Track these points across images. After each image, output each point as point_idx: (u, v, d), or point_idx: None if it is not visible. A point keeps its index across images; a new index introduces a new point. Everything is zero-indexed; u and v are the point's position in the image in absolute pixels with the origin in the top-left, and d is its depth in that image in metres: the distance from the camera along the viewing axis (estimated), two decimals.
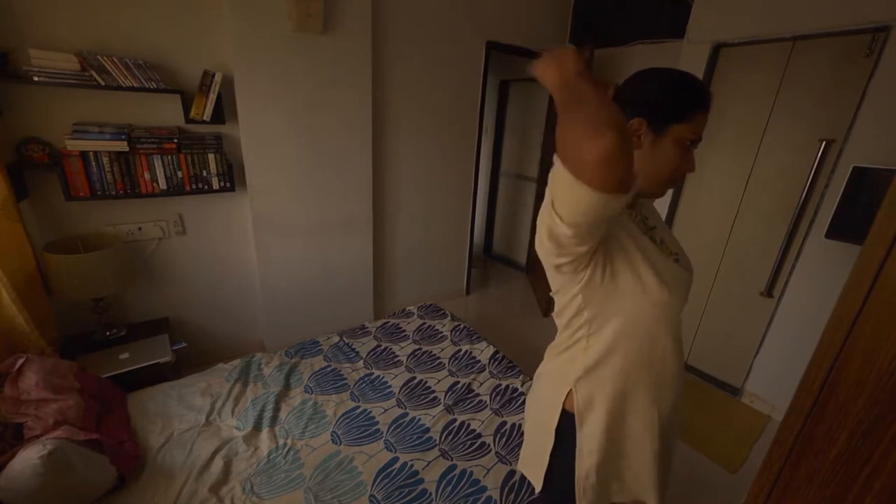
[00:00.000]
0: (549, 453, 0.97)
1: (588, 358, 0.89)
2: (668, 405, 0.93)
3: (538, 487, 1.03)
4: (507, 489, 1.50)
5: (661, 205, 2.84)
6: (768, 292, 2.51)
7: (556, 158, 0.65)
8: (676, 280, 0.87)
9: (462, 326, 2.56)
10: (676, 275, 0.88)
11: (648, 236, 0.90)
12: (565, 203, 0.66)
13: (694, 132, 0.83)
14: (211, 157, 2.28)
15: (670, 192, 2.79)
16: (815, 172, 2.23)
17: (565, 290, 0.86)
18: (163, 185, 2.19)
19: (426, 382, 2.08)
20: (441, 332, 2.51)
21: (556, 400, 0.94)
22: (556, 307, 0.92)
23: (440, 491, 1.50)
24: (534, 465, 1.04)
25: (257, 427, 1.75)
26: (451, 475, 1.56)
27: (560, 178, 0.64)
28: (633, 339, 0.86)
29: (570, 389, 0.92)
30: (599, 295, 0.82)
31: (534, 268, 4.27)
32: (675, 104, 0.83)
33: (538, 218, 0.76)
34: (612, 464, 0.94)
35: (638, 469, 0.94)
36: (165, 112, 2.19)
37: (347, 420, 1.82)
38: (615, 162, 0.58)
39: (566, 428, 0.93)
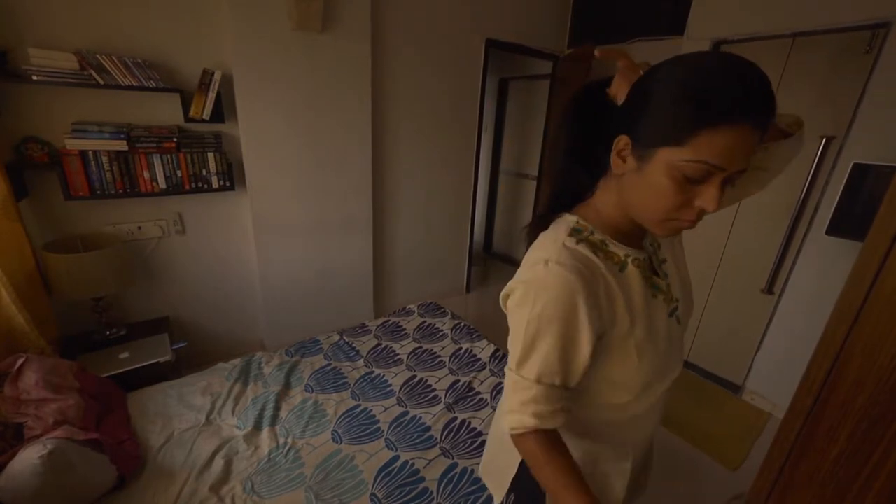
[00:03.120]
0: (511, 480, 0.94)
1: None
2: (642, 448, 0.90)
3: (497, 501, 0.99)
4: (507, 489, 1.50)
5: None
6: (769, 289, 2.50)
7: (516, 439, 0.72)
8: (666, 339, 0.75)
9: (462, 325, 2.56)
10: (664, 336, 0.75)
11: (653, 284, 0.75)
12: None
13: (700, 161, 0.55)
14: (210, 156, 2.28)
15: None
16: (815, 169, 2.22)
17: None
18: (162, 184, 2.19)
19: (427, 381, 2.08)
20: (441, 331, 2.51)
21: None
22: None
23: (441, 489, 1.50)
24: (496, 488, 1.00)
25: (258, 426, 1.75)
26: (451, 473, 1.56)
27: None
28: (592, 419, 0.81)
29: None
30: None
31: None
32: (658, 117, 0.58)
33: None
34: None
35: None
36: (165, 111, 2.19)
37: (348, 419, 1.82)
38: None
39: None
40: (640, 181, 0.62)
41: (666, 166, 0.58)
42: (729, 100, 0.52)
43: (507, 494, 0.96)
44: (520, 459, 0.91)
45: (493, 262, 5.01)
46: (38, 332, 1.78)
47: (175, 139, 2.16)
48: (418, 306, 2.76)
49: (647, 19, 3.14)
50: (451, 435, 1.75)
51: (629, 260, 0.72)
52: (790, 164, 0.76)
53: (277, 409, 1.84)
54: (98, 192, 2.04)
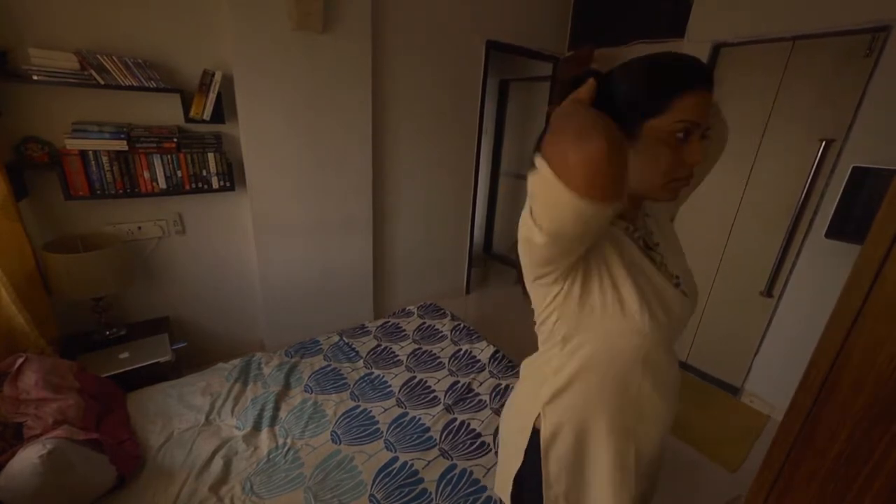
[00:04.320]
0: (514, 475, 0.94)
1: (559, 380, 0.84)
2: (651, 447, 0.88)
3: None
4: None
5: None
6: (768, 292, 2.51)
7: (538, 160, 0.61)
8: (670, 307, 0.79)
9: (462, 326, 2.56)
10: (671, 301, 0.79)
11: (648, 256, 0.81)
12: (546, 209, 0.62)
13: (678, 120, 0.68)
14: (210, 156, 2.28)
15: None
16: (814, 172, 2.23)
17: (540, 303, 0.80)
18: (162, 184, 2.19)
19: (426, 382, 2.08)
20: (441, 332, 2.51)
21: (525, 423, 0.90)
22: (536, 319, 0.85)
23: (440, 490, 1.50)
24: (503, 486, 1.00)
25: (257, 426, 1.75)
26: (451, 475, 1.56)
27: (542, 180, 0.60)
28: (604, 366, 0.80)
29: (539, 413, 0.87)
30: (574, 312, 0.76)
31: None
32: (640, 98, 0.71)
33: (519, 228, 0.71)
34: (580, 494, 0.89)
35: None
36: (165, 111, 2.19)
37: (347, 419, 1.82)
38: (600, 166, 0.55)
39: (535, 450, 0.89)
40: (636, 157, 0.73)
41: (656, 133, 0.70)
42: (689, 73, 0.69)
43: (514, 488, 0.97)
44: (522, 456, 0.92)
45: (493, 263, 5.01)
46: (37, 332, 1.78)
47: (175, 139, 2.16)
48: (418, 307, 2.76)
49: (647, 21, 3.15)
50: (451, 436, 1.75)
51: (620, 229, 0.80)
52: (725, 142, 0.96)
53: (277, 409, 1.84)
54: (98, 192, 2.04)
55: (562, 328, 0.80)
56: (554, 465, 0.87)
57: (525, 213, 0.67)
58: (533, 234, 0.65)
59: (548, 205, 0.62)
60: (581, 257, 0.72)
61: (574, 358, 0.81)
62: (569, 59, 0.89)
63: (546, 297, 0.78)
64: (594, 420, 0.83)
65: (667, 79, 0.70)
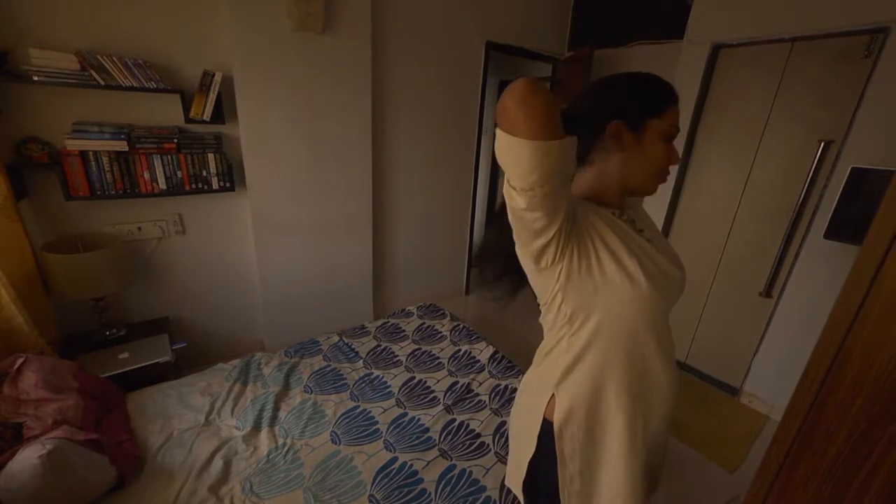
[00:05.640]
0: (529, 461, 0.96)
1: (567, 359, 0.87)
2: (656, 417, 0.91)
3: (521, 497, 1.03)
4: (506, 489, 1.50)
5: (661, 205, 2.84)
6: (767, 292, 2.51)
7: (496, 131, 0.70)
8: (663, 276, 0.85)
9: (461, 326, 2.56)
10: (664, 270, 0.87)
11: (637, 233, 0.90)
12: (510, 166, 0.70)
13: (670, 125, 0.85)
14: (211, 156, 2.28)
15: (669, 193, 2.80)
16: (813, 173, 2.23)
17: (545, 289, 0.85)
18: (162, 184, 2.19)
19: (426, 382, 2.08)
20: (440, 332, 2.51)
21: (538, 407, 0.93)
22: (541, 309, 0.91)
23: (439, 491, 1.50)
24: (515, 475, 1.02)
25: (257, 427, 1.75)
26: (450, 475, 1.57)
27: (498, 142, 0.69)
28: (611, 335, 0.84)
29: (552, 395, 0.90)
30: (577, 288, 0.81)
31: None
32: (646, 101, 0.85)
33: (507, 209, 0.77)
34: (594, 470, 0.92)
35: (618, 479, 0.90)
36: (165, 112, 2.19)
37: (347, 420, 1.82)
38: (529, 101, 0.65)
39: (548, 434, 0.91)
40: (640, 152, 0.86)
41: (657, 133, 0.85)
42: (672, 90, 0.86)
43: (527, 477, 0.99)
44: (535, 441, 0.94)
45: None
46: (37, 331, 1.78)
47: (175, 140, 2.16)
48: (417, 307, 2.76)
49: (646, 22, 3.15)
50: (450, 436, 1.76)
51: (609, 213, 0.89)
52: None
53: (277, 409, 1.84)
54: (98, 192, 2.04)
55: (568, 308, 0.84)
56: (568, 444, 0.90)
57: (505, 186, 0.73)
58: (514, 199, 0.72)
59: (509, 161, 0.69)
60: (568, 227, 0.76)
61: (582, 332, 0.85)
62: (568, 59, 0.92)
63: (550, 281, 0.82)
64: (605, 390, 0.87)
65: (665, 90, 0.86)
